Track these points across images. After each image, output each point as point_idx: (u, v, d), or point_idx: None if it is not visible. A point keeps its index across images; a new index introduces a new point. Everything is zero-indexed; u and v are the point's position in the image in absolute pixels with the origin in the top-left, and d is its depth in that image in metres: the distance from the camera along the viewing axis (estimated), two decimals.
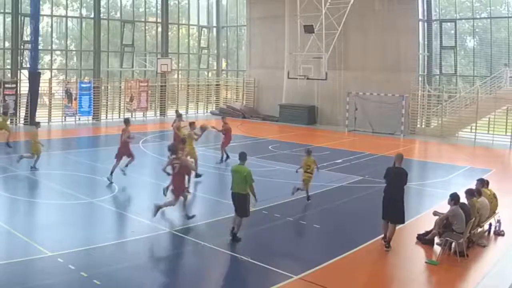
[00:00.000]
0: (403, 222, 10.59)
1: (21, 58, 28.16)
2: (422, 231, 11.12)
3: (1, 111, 23.58)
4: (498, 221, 11.78)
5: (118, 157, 15.36)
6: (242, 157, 10.82)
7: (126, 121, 15.96)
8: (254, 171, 17.96)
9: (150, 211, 11.56)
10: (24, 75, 27.93)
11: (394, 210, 10.36)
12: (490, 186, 12.11)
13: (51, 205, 13.05)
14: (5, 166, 16.91)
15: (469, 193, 10.95)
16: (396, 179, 10.42)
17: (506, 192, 14.59)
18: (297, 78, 28.70)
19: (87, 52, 31.60)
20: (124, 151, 15.49)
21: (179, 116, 18.45)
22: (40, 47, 28.53)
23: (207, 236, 10.98)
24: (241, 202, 10.58)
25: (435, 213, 10.96)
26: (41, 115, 28.80)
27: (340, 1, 26.48)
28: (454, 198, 10.41)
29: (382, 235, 10.70)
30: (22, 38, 28.00)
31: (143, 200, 14.24)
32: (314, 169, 13.77)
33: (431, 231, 10.88)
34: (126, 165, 15.48)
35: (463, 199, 10.80)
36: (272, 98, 34.17)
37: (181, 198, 11.78)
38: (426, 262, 9.89)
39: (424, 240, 10.83)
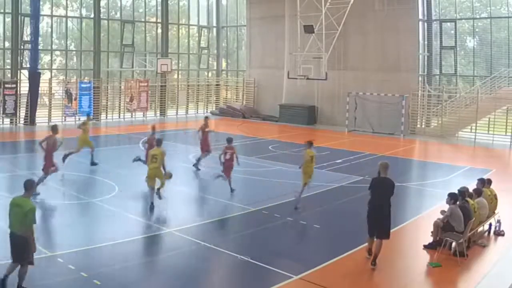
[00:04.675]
0: (388, 237, 9.53)
1: (21, 58, 28.13)
2: (422, 232, 11.10)
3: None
4: (498, 221, 11.78)
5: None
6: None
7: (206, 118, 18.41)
8: (254, 171, 18.18)
9: (149, 211, 11.51)
10: (24, 75, 27.90)
11: (381, 225, 9.43)
12: (491, 186, 12.08)
13: (51, 205, 13.04)
14: (6, 166, 16.89)
15: (462, 195, 10.78)
16: (382, 190, 9.46)
17: (506, 192, 14.57)
18: (297, 78, 28.68)
19: (87, 52, 31.60)
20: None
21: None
22: (40, 47, 28.51)
23: (207, 236, 10.97)
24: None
25: (442, 213, 10.85)
26: (41, 115, 28.78)
27: (340, 1, 26.45)
28: (453, 197, 10.40)
29: (368, 251, 9.82)
30: (22, 38, 27.97)
31: (143, 200, 14.24)
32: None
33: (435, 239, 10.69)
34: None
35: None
36: (272, 98, 34.16)
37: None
38: (428, 265, 9.80)
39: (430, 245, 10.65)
